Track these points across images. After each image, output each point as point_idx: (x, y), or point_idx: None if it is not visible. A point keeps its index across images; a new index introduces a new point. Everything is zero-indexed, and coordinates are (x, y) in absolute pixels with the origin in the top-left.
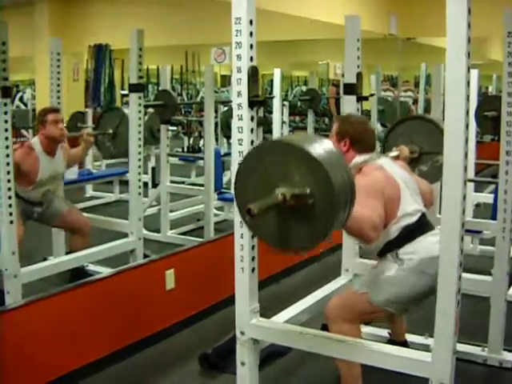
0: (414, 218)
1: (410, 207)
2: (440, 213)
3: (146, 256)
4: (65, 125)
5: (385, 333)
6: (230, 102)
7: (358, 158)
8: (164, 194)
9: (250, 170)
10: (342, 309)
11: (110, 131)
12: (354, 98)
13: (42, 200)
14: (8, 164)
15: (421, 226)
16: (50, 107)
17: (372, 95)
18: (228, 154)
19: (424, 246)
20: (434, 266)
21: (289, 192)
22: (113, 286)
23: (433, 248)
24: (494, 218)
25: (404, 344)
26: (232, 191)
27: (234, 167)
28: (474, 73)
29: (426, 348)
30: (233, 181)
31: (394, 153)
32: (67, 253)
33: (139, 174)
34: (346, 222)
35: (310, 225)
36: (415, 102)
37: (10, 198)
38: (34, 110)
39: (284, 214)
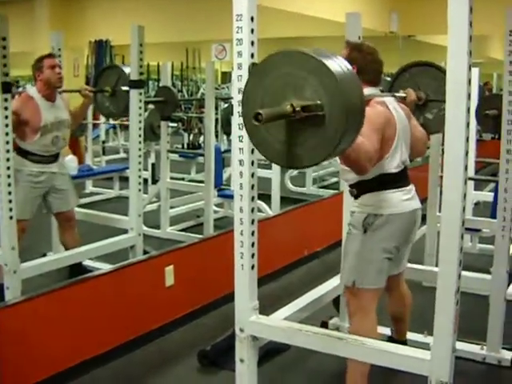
0: (397, 169)
1: (398, 155)
2: (440, 211)
3: (145, 252)
4: None
5: (387, 331)
6: (231, 98)
7: (365, 90)
8: (164, 191)
9: (259, 79)
10: (354, 314)
11: (109, 89)
12: None
13: (55, 150)
14: (8, 160)
15: (397, 180)
16: (47, 53)
17: None
18: (228, 151)
19: (389, 201)
20: (401, 220)
21: (298, 103)
22: (112, 282)
23: (402, 204)
24: (493, 216)
25: (404, 343)
26: (232, 188)
27: (235, 164)
28: (475, 71)
29: (425, 346)
30: (242, 89)
31: (400, 94)
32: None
33: (139, 170)
34: (350, 145)
35: (318, 139)
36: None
37: (9, 193)
38: None
39: (292, 128)
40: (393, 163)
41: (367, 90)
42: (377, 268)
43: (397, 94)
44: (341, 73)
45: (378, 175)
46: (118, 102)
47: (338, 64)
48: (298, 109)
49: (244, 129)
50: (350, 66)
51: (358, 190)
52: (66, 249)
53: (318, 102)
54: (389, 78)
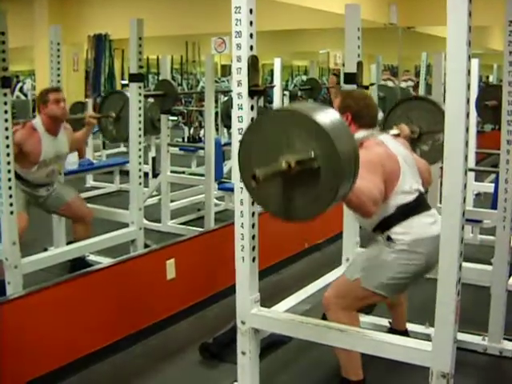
0: (412, 197)
1: (409, 185)
2: (441, 202)
3: (146, 246)
4: None
5: (385, 322)
6: (230, 91)
7: (359, 134)
8: (164, 184)
9: (253, 139)
10: (337, 297)
11: (113, 114)
12: (354, 87)
13: (48, 181)
14: (8, 155)
15: (417, 206)
16: (52, 87)
17: (372, 85)
18: (228, 144)
19: (416, 226)
20: (426, 246)
21: (293, 158)
22: (114, 275)
23: (425, 229)
24: (494, 207)
25: (404, 333)
26: (232, 181)
27: (235, 157)
28: (475, 62)
29: (426, 337)
30: (236, 151)
31: (394, 131)
32: (69, 243)
33: (140, 163)
34: (349, 192)
35: (315, 192)
36: (416, 87)
37: (10, 188)
38: (34, 101)
39: (289, 182)
40: (407, 194)
41: (362, 133)
42: (388, 277)
43: (390, 132)
44: (332, 126)
45: (396, 208)
46: (121, 128)
47: (329, 118)
48: (293, 165)
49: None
50: (339, 117)
51: (384, 228)
52: (75, 240)
53: (312, 154)
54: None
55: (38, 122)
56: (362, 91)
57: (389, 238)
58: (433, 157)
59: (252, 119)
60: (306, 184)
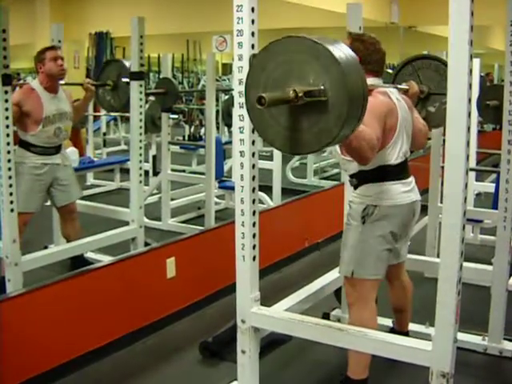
0: (396, 161)
1: (399, 145)
2: (441, 202)
3: (146, 244)
4: None
5: (388, 322)
6: (232, 90)
7: (368, 80)
8: (165, 183)
9: (262, 65)
10: (349, 298)
11: (110, 83)
12: None
13: (58, 142)
14: (9, 152)
15: (397, 172)
16: (49, 45)
17: None
18: (229, 143)
19: (388, 192)
20: (401, 211)
21: (301, 88)
22: (114, 274)
23: (397, 196)
24: (495, 207)
25: (406, 335)
26: (233, 179)
27: (236, 155)
28: (476, 62)
29: (426, 337)
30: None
31: (403, 86)
32: (69, 241)
33: (140, 162)
34: (353, 131)
35: (321, 124)
36: None
37: (10, 186)
38: None
39: (295, 113)
40: (393, 154)
41: (370, 80)
42: (375, 258)
43: (399, 86)
44: (344, 59)
45: (378, 166)
46: (119, 96)
47: (342, 51)
48: (300, 94)
49: (247, 115)
50: (353, 53)
51: (358, 180)
52: (68, 241)
53: (321, 87)
54: (390, 70)
55: (35, 82)
56: (372, 36)
57: (354, 188)
58: (437, 119)
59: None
60: (312, 116)
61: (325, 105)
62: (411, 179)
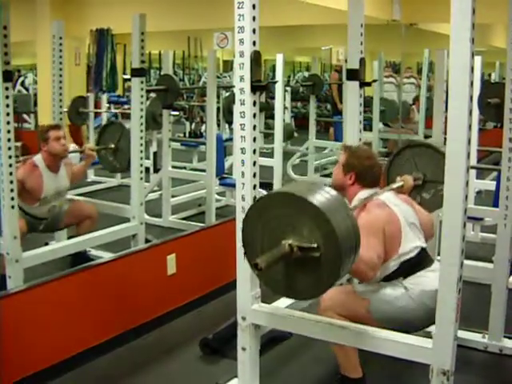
0: (414, 253)
1: (411, 244)
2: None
3: (147, 241)
4: (66, 109)
5: None
6: (232, 87)
7: (363, 193)
8: (166, 179)
9: (254, 221)
10: (340, 304)
11: (112, 146)
12: (356, 83)
13: (48, 216)
14: (10, 149)
15: (420, 261)
16: (51, 124)
17: (375, 81)
18: (230, 140)
19: (424, 280)
20: (433, 299)
21: (296, 243)
22: (114, 270)
23: (433, 283)
24: (495, 205)
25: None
26: (234, 176)
27: (237, 152)
28: (478, 59)
29: (427, 334)
30: (239, 232)
31: (397, 184)
32: (70, 237)
33: (141, 158)
34: (348, 271)
35: (316, 277)
36: (416, 99)
37: (11, 182)
38: (35, 95)
39: (291, 265)
40: (409, 252)
41: (365, 193)
42: (392, 316)
43: (394, 185)
44: (332, 211)
45: (399, 265)
46: (121, 158)
47: (327, 199)
48: (295, 249)
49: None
50: (339, 197)
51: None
52: (77, 234)
53: (315, 245)
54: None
55: (39, 158)
56: (368, 150)
57: (403, 283)
58: (433, 205)
59: (255, 197)
60: (308, 268)
61: (318, 259)
62: (436, 265)
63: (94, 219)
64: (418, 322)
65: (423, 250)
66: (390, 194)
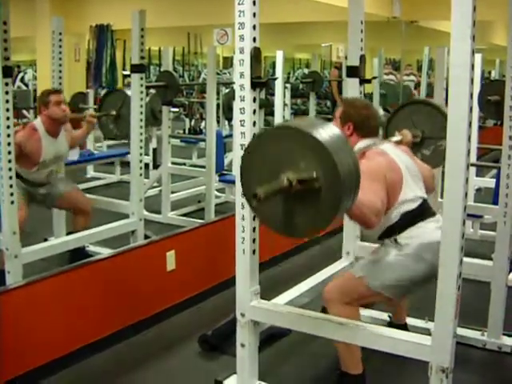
0: (416, 204)
1: (412, 193)
2: (442, 197)
3: (146, 237)
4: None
5: (385, 316)
6: (232, 83)
7: (361, 143)
8: (165, 176)
9: (254, 155)
10: (340, 292)
11: (113, 112)
12: (356, 80)
13: (46, 181)
14: (9, 144)
15: (422, 212)
16: (52, 89)
17: (374, 78)
18: (229, 136)
19: (424, 231)
20: (433, 251)
21: (295, 177)
22: (113, 266)
23: (432, 234)
24: (495, 202)
25: (404, 326)
26: (233, 173)
27: (236, 149)
28: (478, 57)
29: (426, 332)
30: (238, 167)
31: (396, 137)
32: (69, 233)
33: (140, 155)
34: (351, 206)
35: (316, 210)
36: (417, 86)
37: (10, 178)
38: (35, 91)
39: (289, 199)
40: (410, 202)
41: (364, 143)
42: (391, 281)
43: (393, 139)
44: (334, 145)
45: (400, 216)
46: (121, 126)
47: (329, 135)
48: (294, 183)
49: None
50: (340, 134)
51: (390, 235)
52: (75, 230)
53: (314, 175)
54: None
55: (38, 122)
56: (364, 100)
57: (396, 241)
58: (434, 161)
59: (254, 135)
60: (307, 201)
61: (319, 191)
62: (438, 217)
63: (88, 215)
64: (422, 277)
65: (425, 201)
66: (390, 145)
